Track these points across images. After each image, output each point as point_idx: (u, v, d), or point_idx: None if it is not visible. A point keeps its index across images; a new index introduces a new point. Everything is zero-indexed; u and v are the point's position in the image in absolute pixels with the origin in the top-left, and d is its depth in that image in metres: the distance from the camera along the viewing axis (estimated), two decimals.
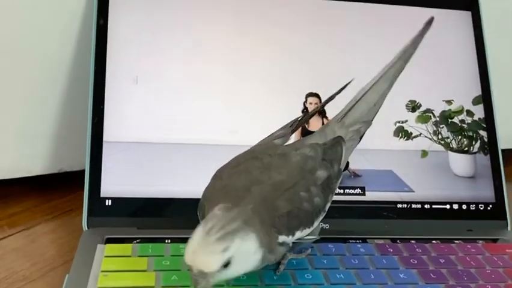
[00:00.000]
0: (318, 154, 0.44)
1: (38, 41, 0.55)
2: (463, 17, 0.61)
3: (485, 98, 0.59)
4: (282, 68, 0.56)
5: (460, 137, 0.57)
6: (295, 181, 0.41)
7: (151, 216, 0.50)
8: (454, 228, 0.54)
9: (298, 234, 0.40)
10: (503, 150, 0.58)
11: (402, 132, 0.56)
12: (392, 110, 0.57)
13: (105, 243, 0.46)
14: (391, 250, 0.49)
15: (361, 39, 0.59)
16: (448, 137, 0.57)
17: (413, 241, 0.51)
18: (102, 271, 0.42)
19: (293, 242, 0.41)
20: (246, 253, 0.36)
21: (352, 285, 0.43)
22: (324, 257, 0.47)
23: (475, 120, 0.58)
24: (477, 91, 0.59)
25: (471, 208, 0.56)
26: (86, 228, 0.49)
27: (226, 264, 0.35)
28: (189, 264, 0.35)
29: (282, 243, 0.40)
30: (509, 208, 0.56)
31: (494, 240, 0.53)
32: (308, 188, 0.41)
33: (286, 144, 0.46)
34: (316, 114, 0.55)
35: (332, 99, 0.47)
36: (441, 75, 0.59)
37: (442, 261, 0.48)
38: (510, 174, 0.60)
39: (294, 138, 0.49)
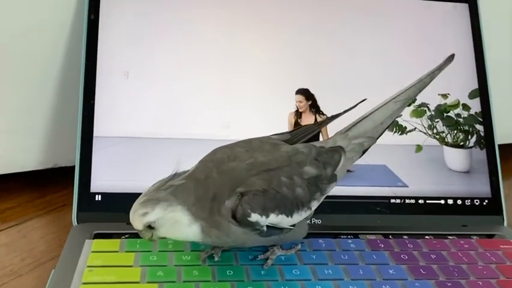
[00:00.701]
0: (311, 152, 0.43)
1: (29, 36, 0.55)
2: (460, 10, 0.60)
3: (482, 91, 0.58)
4: (275, 64, 0.56)
5: (455, 132, 0.57)
6: (278, 165, 0.41)
7: None
8: (448, 224, 0.54)
9: (273, 218, 0.40)
10: (499, 146, 0.57)
11: (396, 127, 0.56)
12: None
13: (93, 239, 0.46)
14: (382, 246, 0.48)
15: (358, 33, 0.58)
16: (443, 132, 0.57)
17: (405, 237, 0.50)
18: (88, 266, 0.42)
19: (276, 232, 0.41)
20: (173, 222, 0.39)
21: (340, 281, 0.43)
22: (313, 252, 0.46)
23: (471, 115, 0.57)
24: (474, 85, 0.58)
25: (466, 203, 0.55)
26: (76, 224, 0.49)
27: (150, 227, 0.39)
28: None
29: (254, 224, 0.39)
30: (506, 203, 0.55)
31: (490, 236, 0.52)
32: (291, 176, 0.41)
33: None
34: (309, 110, 0.55)
35: (338, 116, 0.47)
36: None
37: (433, 257, 0.47)
38: (506, 169, 0.59)
39: None
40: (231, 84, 0.55)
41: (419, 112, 0.56)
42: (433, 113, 0.57)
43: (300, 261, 0.45)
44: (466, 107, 0.57)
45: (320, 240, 0.48)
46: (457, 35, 0.59)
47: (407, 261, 0.46)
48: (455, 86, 0.58)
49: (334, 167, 0.44)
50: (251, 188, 0.40)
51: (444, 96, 0.57)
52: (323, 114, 0.55)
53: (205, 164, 0.41)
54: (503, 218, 0.55)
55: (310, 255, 0.46)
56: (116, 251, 0.44)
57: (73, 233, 0.47)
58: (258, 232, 0.40)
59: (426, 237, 0.51)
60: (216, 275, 0.42)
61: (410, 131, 0.56)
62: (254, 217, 0.39)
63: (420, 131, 0.56)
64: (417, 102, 0.56)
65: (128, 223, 0.48)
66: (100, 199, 0.50)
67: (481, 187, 0.56)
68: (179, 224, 0.39)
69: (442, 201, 0.55)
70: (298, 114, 0.55)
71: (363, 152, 0.47)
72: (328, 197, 0.45)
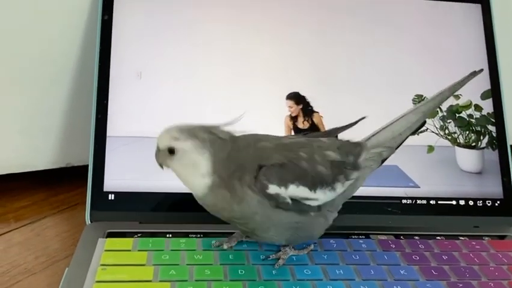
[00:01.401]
0: (333, 142, 0.45)
1: (43, 37, 0.56)
2: (473, 10, 0.60)
3: (494, 92, 0.58)
4: (283, 66, 0.56)
5: (467, 132, 0.57)
6: (298, 146, 0.43)
7: (154, 210, 0.51)
8: (460, 225, 0.53)
9: (293, 189, 0.41)
10: (511, 146, 0.57)
11: None
12: (398, 104, 0.56)
13: (106, 237, 0.47)
14: (393, 246, 0.48)
15: (368, 34, 0.58)
16: (455, 132, 0.56)
17: (417, 237, 0.50)
18: (101, 265, 0.43)
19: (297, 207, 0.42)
20: (192, 163, 0.40)
21: (351, 281, 0.43)
22: (325, 252, 0.46)
23: (484, 115, 0.57)
24: (486, 85, 0.58)
25: (478, 204, 0.55)
26: (89, 222, 0.49)
27: (171, 151, 0.40)
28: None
29: (275, 196, 0.41)
30: None
31: (502, 237, 0.52)
32: (311, 154, 0.42)
33: None
34: (302, 114, 0.55)
35: (342, 130, 0.48)
36: (449, 69, 0.58)
37: (445, 257, 0.47)
38: None
39: None
40: (242, 84, 0.55)
41: (431, 113, 0.56)
42: (445, 113, 0.57)
43: (312, 261, 0.45)
44: (478, 107, 0.57)
45: (331, 241, 0.48)
46: (470, 35, 0.59)
47: (418, 262, 0.46)
48: (468, 86, 0.57)
49: (356, 156, 0.45)
50: (270, 162, 0.41)
51: (457, 97, 0.57)
52: (317, 113, 0.55)
53: (248, 137, 0.43)
54: None
55: (322, 255, 0.46)
56: (129, 250, 0.45)
57: (86, 231, 0.48)
58: (283, 205, 0.41)
59: (438, 238, 0.51)
60: (227, 275, 0.42)
61: (422, 131, 0.56)
62: (272, 189, 0.40)
63: (432, 131, 0.56)
64: None
65: (141, 222, 0.49)
66: (112, 198, 0.50)
67: (492, 188, 0.55)
68: (196, 169, 0.40)
69: (454, 202, 0.54)
70: (293, 118, 0.55)
71: (382, 162, 0.48)
72: None
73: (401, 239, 0.50)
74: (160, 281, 0.41)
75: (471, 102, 0.57)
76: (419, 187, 0.54)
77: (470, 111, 0.57)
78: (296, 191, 0.41)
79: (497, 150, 0.57)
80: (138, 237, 0.47)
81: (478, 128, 0.57)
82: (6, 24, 0.54)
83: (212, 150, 0.40)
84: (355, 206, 0.52)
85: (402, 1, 0.59)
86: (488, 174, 0.56)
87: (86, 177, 0.51)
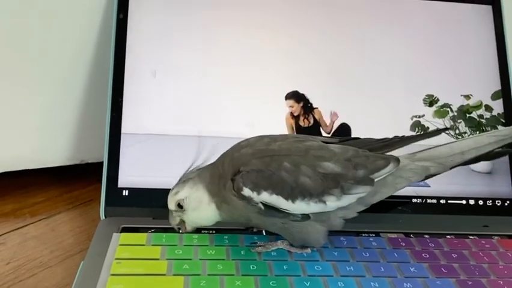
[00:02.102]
0: (345, 152, 0.44)
1: (59, 34, 0.57)
2: (484, 11, 0.60)
3: (505, 93, 0.58)
4: (298, 63, 0.57)
5: (477, 132, 0.57)
6: (287, 153, 0.43)
7: (167, 207, 0.51)
8: (469, 224, 0.54)
9: (267, 196, 0.42)
10: None
11: (418, 127, 0.56)
12: (409, 104, 0.57)
13: (120, 232, 0.48)
14: (403, 244, 0.49)
15: (379, 35, 0.58)
16: (465, 132, 0.57)
17: (426, 236, 0.51)
18: (116, 259, 0.43)
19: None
20: (197, 200, 0.44)
21: (361, 278, 0.43)
22: (335, 249, 0.47)
23: (494, 116, 0.58)
24: (496, 86, 0.58)
25: (487, 204, 0.55)
26: (103, 218, 0.50)
27: (180, 206, 0.44)
28: None
29: (248, 198, 0.42)
30: None
31: (511, 236, 0.53)
32: (297, 164, 0.43)
33: None
34: (304, 112, 0.55)
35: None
36: (460, 70, 0.59)
37: (455, 256, 0.47)
38: None
39: None
40: (256, 83, 0.56)
41: (441, 113, 0.57)
42: (456, 113, 0.57)
43: (322, 258, 0.46)
44: (488, 108, 0.58)
45: (341, 238, 0.49)
46: (480, 36, 0.60)
47: (428, 260, 0.47)
48: (478, 87, 0.58)
49: (370, 171, 0.44)
50: (249, 167, 0.43)
51: (467, 97, 0.58)
52: (317, 110, 0.56)
53: (225, 152, 0.46)
54: None
55: (332, 252, 0.46)
56: (143, 245, 0.45)
57: (101, 226, 0.49)
58: (257, 209, 0.43)
59: (448, 236, 0.51)
60: (239, 269, 0.43)
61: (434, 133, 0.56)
62: (246, 191, 0.42)
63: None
64: (440, 103, 0.57)
65: (155, 218, 0.50)
66: (127, 194, 0.51)
67: (502, 188, 0.56)
68: (202, 203, 0.44)
69: (464, 202, 0.55)
70: (295, 116, 0.55)
71: (427, 177, 0.48)
72: None
73: (411, 237, 0.50)
74: (174, 274, 0.42)
75: (481, 102, 0.58)
76: (429, 186, 0.55)
77: (481, 111, 0.58)
78: (269, 198, 0.42)
79: None
80: (152, 232, 0.48)
81: (488, 129, 0.57)
82: (23, 23, 0.55)
83: (201, 179, 0.44)
84: None
85: (412, 1, 0.60)
86: (498, 174, 0.56)
87: (100, 174, 0.52)
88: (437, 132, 0.49)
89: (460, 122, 0.57)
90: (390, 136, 0.48)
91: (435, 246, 0.49)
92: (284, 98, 0.56)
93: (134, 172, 0.52)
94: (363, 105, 0.56)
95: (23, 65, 0.57)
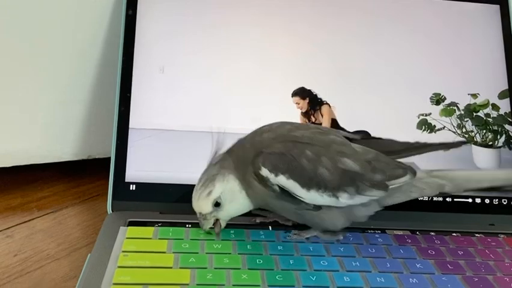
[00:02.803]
0: (366, 153, 0.45)
1: (68, 30, 0.57)
2: (491, 11, 0.60)
3: None
4: (305, 59, 0.57)
5: (484, 131, 0.57)
6: (309, 142, 0.43)
7: (174, 201, 0.51)
8: (475, 222, 0.54)
9: (283, 180, 0.42)
10: None
11: (425, 125, 0.56)
12: (416, 102, 0.57)
13: (127, 226, 0.48)
14: (409, 241, 0.49)
15: (387, 35, 0.59)
16: (472, 131, 0.57)
17: (432, 233, 0.51)
18: (123, 251, 0.43)
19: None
20: (232, 191, 0.44)
21: (367, 273, 0.43)
22: (341, 245, 0.47)
23: (501, 115, 0.58)
24: (503, 85, 0.58)
25: (494, 202, 0.55)
26: (111, 211, 0.50)
27: (217, 204, 0.44)
28: (195, 210, 0.45)
29: (265, 179, 0.43)
30: None
31: None
32: (319, 154, 0.43)
33: None
34: (311, 108, 0.56)
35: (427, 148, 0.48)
36: (467, 69, 0.59)
37: (461, 253, 0.47)
38: None
39: None
40: (263, 78, 0.56)
41: (448, 111, 0.57)
42: (462, 112, 0.57)
43: (328, 253, 0.46)
44: (495, 107, 0.58)
45: (348, 234, 0.49)
46: (488, 35, 0.60)
47: (434, 256, 0.47)
48: (485, 86, 0.58)
49: (388, 177, 0.45)
50: (269, 149, 0.43)
51: (474, 96, 0.58)
52: (326, 105, 0.56)
53: (243, 137, 0.46)
54: None
55: (338, 247, 0.47)
56: (150, 238, 0.46)
57: (108, 220, 0.49)
58: (272, 191, 0.43)
59: (454, 234, 0.51)
60: (245, 263, 0.43)
61: (439, 129, 0.56)
62: (264, 171, 0.42)
63: (450, 129, 0.57)
64: (447, 102, 0.57)
65: (162, 212, 0.50)
66: (134, 189, 0.52)
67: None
68: (235, 192, 0.44)
69: (470, 200, 0.55)
70: (305, 113, 0.55)
71: (441, 194, 0.48)
72: None
73: (417, 234, 0.50)
74: (181, 267, 0.42)
75: (488, 101, 0.58)
76: None
77: (488, 110, 0.58)
78: (286, 182, 0.43)
79: None
80: (158, 226, 0.48)
81: (495, 127, 0.57)
82: (32, 18, 0.56)
83: (227, 170, 0.44)
84: None
85: (419, 1, 0.60)
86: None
87: (107, 170, 0.52)
88: (459, 144, 0.50)
89: (467, 121, 0.57)
90: (398, 135, 0.49)
91: (441, 243, 0.49)
92: (291, 95, 0.56)
93: (142, 167, 0.52)
94: (370, 103, 0.56)
95: (31, 61, 0.57)
